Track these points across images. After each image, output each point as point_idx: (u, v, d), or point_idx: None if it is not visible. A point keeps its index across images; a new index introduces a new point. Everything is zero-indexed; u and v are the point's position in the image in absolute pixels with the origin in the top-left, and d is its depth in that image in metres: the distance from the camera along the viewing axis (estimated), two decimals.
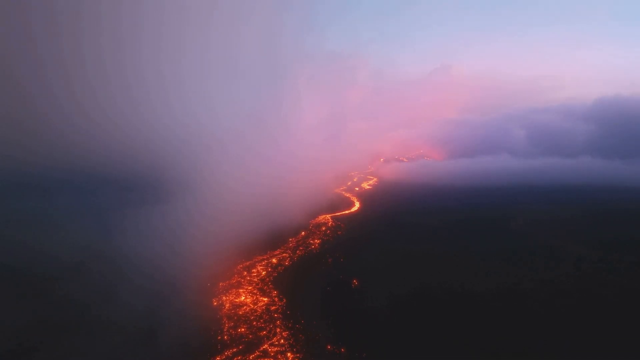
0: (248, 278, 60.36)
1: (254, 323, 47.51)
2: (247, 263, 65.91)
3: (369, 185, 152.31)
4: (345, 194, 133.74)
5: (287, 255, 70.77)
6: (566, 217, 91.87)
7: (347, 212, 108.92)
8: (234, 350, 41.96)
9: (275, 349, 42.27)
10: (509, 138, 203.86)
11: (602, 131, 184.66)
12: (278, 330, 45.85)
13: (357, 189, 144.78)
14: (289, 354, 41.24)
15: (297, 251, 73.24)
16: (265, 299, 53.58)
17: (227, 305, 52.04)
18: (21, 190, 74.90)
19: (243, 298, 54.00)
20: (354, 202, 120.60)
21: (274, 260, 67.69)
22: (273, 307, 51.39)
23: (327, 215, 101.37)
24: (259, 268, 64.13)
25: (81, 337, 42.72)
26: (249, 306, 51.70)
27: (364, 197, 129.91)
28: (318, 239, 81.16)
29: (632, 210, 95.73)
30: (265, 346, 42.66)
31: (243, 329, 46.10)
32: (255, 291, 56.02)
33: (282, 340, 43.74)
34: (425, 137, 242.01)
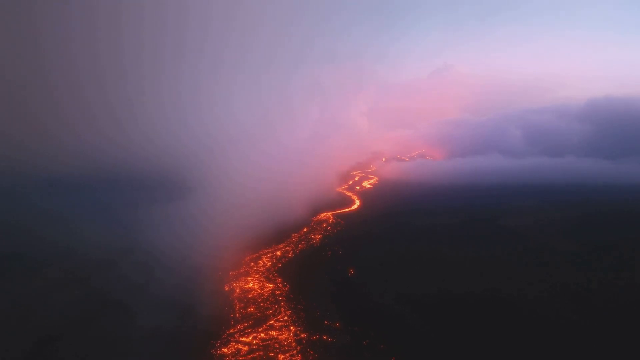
0: (255, 268, 68.77)
1: (261, 304, 55.93)
2: (254, 255, 74.21)
3: (369, 184, 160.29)
4: (347, 193, 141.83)
5: (290, 248, 79.10)
6: (564, 217, 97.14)
7: (347, 210, 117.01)
8: (245, 324, 50.42)
9: (280, 324, 50.71)
10: (507, 138, 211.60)
11: (595, 132, 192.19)
12: (282, 309, 54.27)
13: (358, 187, 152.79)
14: (291, 327, 49.68)
15: (300, 245, 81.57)
16: (271, 285, 61.97)
17: (237, 290, 60.46)
18: (47, 190, 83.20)
19: (251, 284, 62.39)
20: (355, 201, 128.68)
21: (278, 253, 76.03)
22: (278, 292, 59.78)
23: (329, 213, 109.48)
24: (265, 260, 72.50)
25: (118, 322, 50.76)
26: (257, 291, 60.11)
27: (364, 195, 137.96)
28: (319, 235, 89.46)
29: (630, 211, 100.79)
30: (272, 322, 51.09)
31: (252, 309, 54.55)
32: (261, 279, 64.42)
33: (285, 317, 52.15)
34: (426, 137, 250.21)
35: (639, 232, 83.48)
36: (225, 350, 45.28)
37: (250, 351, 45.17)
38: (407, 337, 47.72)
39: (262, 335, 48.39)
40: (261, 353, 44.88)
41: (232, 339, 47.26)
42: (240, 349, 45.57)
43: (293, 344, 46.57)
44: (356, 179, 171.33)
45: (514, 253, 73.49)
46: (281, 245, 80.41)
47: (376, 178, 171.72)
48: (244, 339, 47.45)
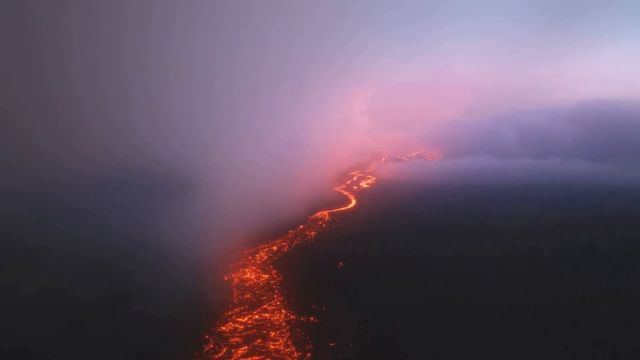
0: (252, 261, 76.43)
1: (257, 291, 63.58)
2: (252, 250, 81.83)
3: (367, 184, 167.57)
4: (344, 192, 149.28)
5: (285, 244, 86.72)
6: (555, 218, 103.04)
7: (343, 208, 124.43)
8: (242, 308, 58.13)
9: (273, 307, 58.38)
10: (503, 139, 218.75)
11: (587, 134, 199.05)
12: (275, 296, 61.94)
13: (355, 187, 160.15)
14: (282, 311, 57.36)
15: (295, 241, 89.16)
16: (266, 276, 69.60)
17: (236, 280, 68.13)
18: (67, 191, 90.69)
19: (248, 275, 70.03)
20: (351, 200, 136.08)
21: (275, 248, 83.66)
22: (272, 281, 67.42)
23: (325, 212, 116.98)
24: (262, 253, 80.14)
25: (137, 306, 58.35)
26: (253, 280, 67.77)
27: (360, 195, 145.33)
28: (314, 232, 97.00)
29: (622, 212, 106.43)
30: (265, 306, 58.78)
31: (248, 295, 62.24)
32: (258, 270, 72.08)
33: (278, 303, 59.82)
34: (425, 137, 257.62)
35: (627, 232, 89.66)
36: (224, 328, 52.99)
37: (246, 329, 52.88)
38: (385, 319, 55.18)
39: (257, 317, 56.06)
40: (255, 331, 52.58)
41: (230, 320, 54.97)
42: (237, 327, 53.25)
43: (283, 323, 54.24)
44: (354, 179, 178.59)
45: (502, 254, 78.24)
46: (278, 241, 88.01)
47: (374, 178, 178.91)
48: (240, 319, 55.15)
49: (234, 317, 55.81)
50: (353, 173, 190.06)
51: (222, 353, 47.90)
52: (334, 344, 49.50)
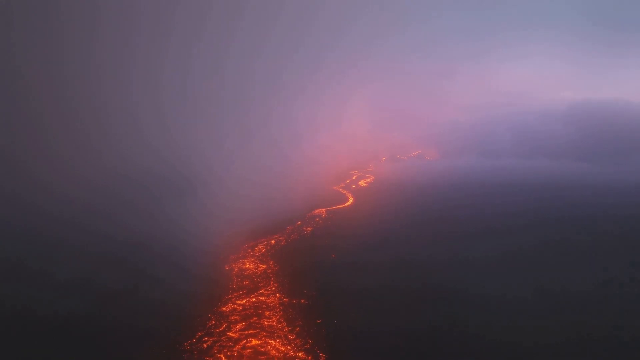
0: (251, 253, 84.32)
1: (255, 279, 71.47)
2: (252, 243, 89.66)
3: (365, 183, 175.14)
4: (342, 191, 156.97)
5: (283, 238, 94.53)
6: (548, 218, 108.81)
7: (340, 206, 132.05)
8: (240, 292, 66.02)
9: (268, 292, 66.25)
10: (500, 139, 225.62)
11: (580, 134, 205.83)
12: (271, 282, 69.80)
13: (354, 186, 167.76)
14: (277, 295, 65.21)
15: (292, 236, 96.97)
16: (264, 266, 77.47)
17: (236, 269, 76.04)
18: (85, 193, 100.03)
19: (247, 265, 77.91)
20: (349, 198, 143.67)
21: (272, 242, 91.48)
22: (269, 271, 75.28)
23: (323, 209, 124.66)
24: (260, 247, 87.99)
25: (146, 297, 66.23)
26: (251, 270, 75.66)
27: (358, 193, 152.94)
28: (311, 227, 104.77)
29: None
30: (261, 291, 66.67)
31: (247, 282, 70.14)
32: (256, 261, 79.95)
33: (273, 288, 67.67)
34: (425, 137, 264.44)
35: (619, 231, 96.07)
36: (224, 308, 60.93)
37: (244, 309, 60.80)
38: (370, 303, 62.89)
39: (254, 299, 63.94)
40: (252, 311, 60.44)
41: (229, 302, 62.90)
42: (236, 308, 61.16)
43: (277, 305, 62.11)
44: (353, 177, 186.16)
45: (496, 250, 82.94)
46: (276, 235, 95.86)
47: (372, 177, 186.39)
48: (239, 301, 63.07)
49: (233, 299, 63.73)
50: (352, 172, 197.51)
51: (222, 328, 55.80)
52: (320, 321, 57.24)
